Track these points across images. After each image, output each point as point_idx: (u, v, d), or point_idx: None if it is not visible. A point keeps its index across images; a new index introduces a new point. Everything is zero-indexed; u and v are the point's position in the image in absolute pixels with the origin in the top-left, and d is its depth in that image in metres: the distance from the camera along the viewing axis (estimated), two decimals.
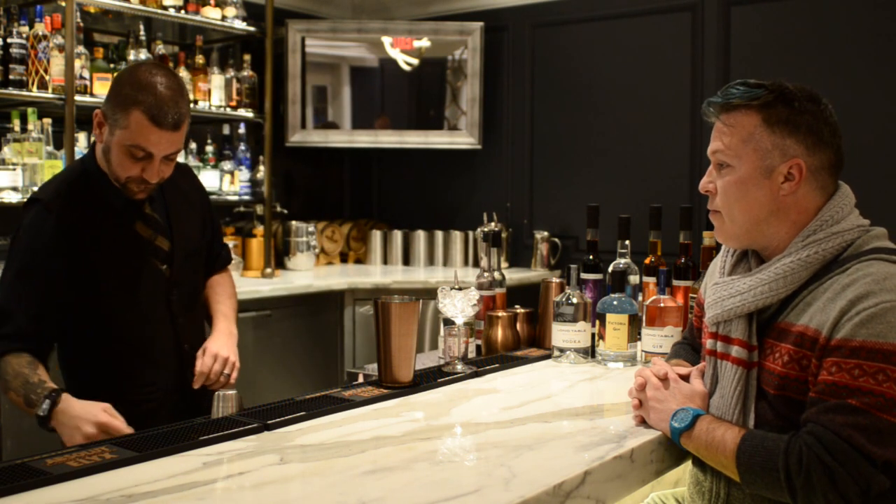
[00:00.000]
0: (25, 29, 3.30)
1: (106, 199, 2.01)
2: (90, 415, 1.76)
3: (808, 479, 1.32)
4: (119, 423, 1.76)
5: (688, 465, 1.69)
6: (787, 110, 1.50)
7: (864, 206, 1.56)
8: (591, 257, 2.37)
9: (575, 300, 2.16)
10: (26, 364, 1.88)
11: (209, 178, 4.05)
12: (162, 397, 2.08)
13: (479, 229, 4.40)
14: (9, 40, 3.22)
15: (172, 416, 2.01)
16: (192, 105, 3.89)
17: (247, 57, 4.24)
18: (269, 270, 4.12)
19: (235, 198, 4.22)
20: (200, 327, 2.25)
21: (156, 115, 1.86)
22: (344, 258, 4.88)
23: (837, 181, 1.55)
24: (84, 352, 2.03)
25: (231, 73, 4.16)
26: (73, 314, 1.98)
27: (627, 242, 2.34)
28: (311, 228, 4.50)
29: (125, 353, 2.04)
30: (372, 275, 4.39)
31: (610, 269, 2.24)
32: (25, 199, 3.27)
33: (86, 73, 3.46)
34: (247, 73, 4.22)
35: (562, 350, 2.18)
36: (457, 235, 4.73)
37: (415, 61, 4.72)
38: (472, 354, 2.24)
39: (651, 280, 2.36)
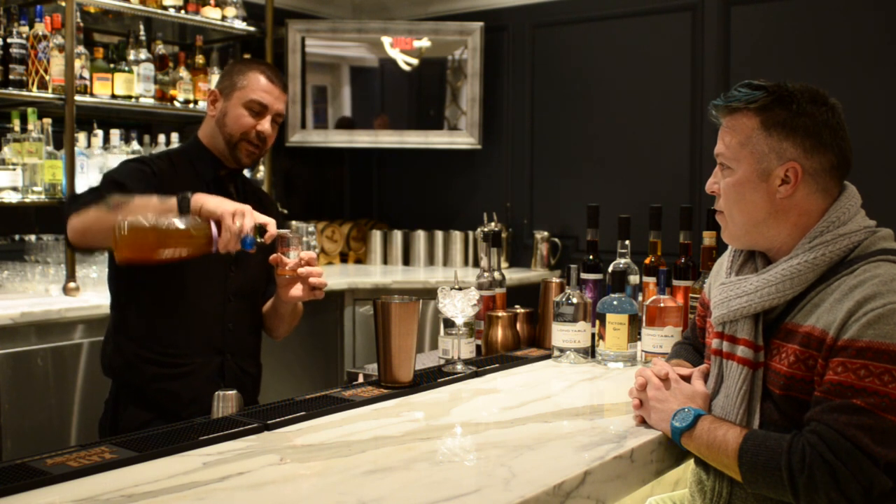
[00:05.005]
0: (25, 29, 3.30)
1: (198, 170, 2.25)
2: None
3: (811, 477, 1.32)
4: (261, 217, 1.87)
5: (689, 466, 1.69)
6: (784, 113, 1.50)
7: (867, 207, 1.56)
8: (591, 257, 2.37)
9: (575, 300, 2.16)
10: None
11: None
12: (198, 365, 2.18)
13: (479, 229, 4.41)
14: (9, 40, 3.22)
15: (206, 389, 2.08)
16: (191, 105, 3.90)
17: (247, 57, 4.24)
18: None
19: None
20: (250, 322, 2.32)
21: (270, 75, 2.25)
22: (344, 258, 4.88)
23: (843, 182, 1.55)
24: (137, 298, 2.16)
25: None
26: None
27: (627, 242, 2.34)
28: (311, 228, 4.50)
29: (173, 311, 2.16)
30: (372, 275, 4.39)
31: (610, 269, 2.24)
32: (24, 200, 3.28)
33: (86, 73, 3.46)
34: None
35: (562, 350, 2.18)
36: (457, 235, 4.73)
37: (415, 61, 4.72)
38: (472, 354, 2.24)
39: (651, 280, 2.36)
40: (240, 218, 1.82)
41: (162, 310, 2.15)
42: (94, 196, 2.01)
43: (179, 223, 1.76)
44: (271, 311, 2.32)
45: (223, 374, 2.21)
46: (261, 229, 1.85)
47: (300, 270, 2.04)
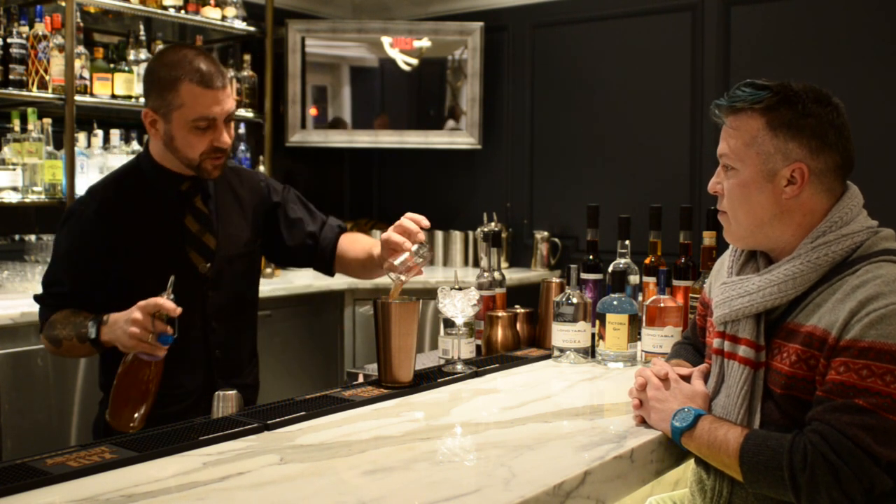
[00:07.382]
0: (25, 29, 3.30)
1: (158, 191, 2.04)
2: (131, 310, 1.77)
3: (813, 476, 1.32)
4: (160, 300, 1.74)
5: (689, 466, 1.69)
6: (790, 113, 1.49)
7: (868, 207, 1.56)
8: (591, 257, 2.37)
9: (575, 300, 2.15)
10: (71, 313, 1.97)
11: None
12: (191, 401, 2.04)
13: (479, 229, 4.40)
14: (9, 40, 3.23)
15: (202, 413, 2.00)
16: None
17: (247, 57, 4.24)
18: (269, 270, 4.12)
19: None
20: (243, 339, 2.19)
21: (203, 79, 1.90)
22: None
23: (846, 182, 1.55)
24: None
25: (231, 73, 4.16)
26: (110, 299, 1.96)
27: (627, 242, 2.34)
28: None
29: None
30: None
31: (610, 269, 2.24)
32: (24, 200, 3.29)
33: (86, 73, 3.46)
34: (247, 73, 4.22)
35: (562, 350, 2.18)
36: (457, 235, 4.73)
37: (415, 61, 4.72)
38: (472, 354, 2.24)
39: (651, 280, 2.36)
40: (138, 333, 1.73)
41: None
42: (47, 314, 2.01)
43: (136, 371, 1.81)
44: (361, 268, 2.22)
45: None
46: (167, 319, 1.73)
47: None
